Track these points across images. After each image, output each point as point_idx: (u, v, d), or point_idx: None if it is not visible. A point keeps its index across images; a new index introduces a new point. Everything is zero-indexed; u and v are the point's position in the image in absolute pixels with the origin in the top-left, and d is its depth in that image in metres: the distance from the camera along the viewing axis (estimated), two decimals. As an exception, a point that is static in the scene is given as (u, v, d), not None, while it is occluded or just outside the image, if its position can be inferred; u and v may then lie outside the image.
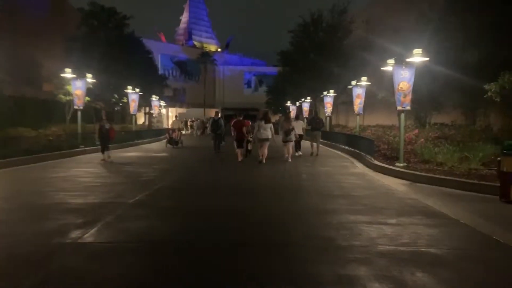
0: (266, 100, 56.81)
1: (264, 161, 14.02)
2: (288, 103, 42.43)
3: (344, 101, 33.02)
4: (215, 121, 18.54)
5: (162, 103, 44.95)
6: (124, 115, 36.20)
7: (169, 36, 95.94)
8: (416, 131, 15.18)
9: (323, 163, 15.00)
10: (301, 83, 34.68)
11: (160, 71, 60.78)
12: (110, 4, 30.37)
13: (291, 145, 15.31)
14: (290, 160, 14.85)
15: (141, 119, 47.47)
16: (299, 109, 36.91)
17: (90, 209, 6.94)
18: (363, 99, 20.54)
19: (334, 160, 16.10)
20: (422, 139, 13.89)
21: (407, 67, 12.29)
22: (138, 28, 34.35)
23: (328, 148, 22.07)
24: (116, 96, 28.77)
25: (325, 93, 28.12)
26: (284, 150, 15.14)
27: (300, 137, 16.96)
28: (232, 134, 15.54)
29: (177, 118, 23.25)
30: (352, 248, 4.89)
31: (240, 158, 14.89)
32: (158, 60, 70.16)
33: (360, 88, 20.20)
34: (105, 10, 27.82)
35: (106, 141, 14.63)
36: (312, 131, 17.87)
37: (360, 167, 13.65)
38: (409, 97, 12.43)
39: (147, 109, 41.76)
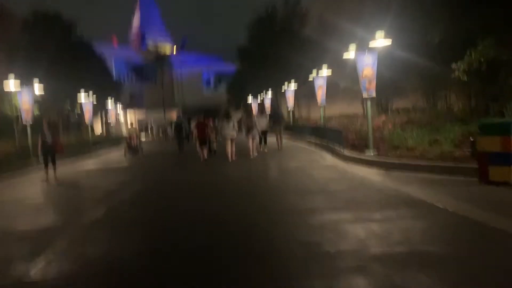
0: (227, 98, 56.13)
1: (233, 159, 13.97)
2: (250, 99, 41.90)
3: (305, 93, 32.87)
4: (177, 124, 18.78)
5: (119, 109, 43.39)
6: (81, 124, 34.47)
7: (122, 39, 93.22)
8: (383, 117, 14.97)
9: (292, 157, 14.54)
10: (261, 77, 34.25)
11: (115, 76, 58.81)
12: (59, 6, 28.74)
13: (256, 141, 15.35)
14: (256, 154, 14.87)
15: (98, 128, 45.62)
16: (262, 104, 36.82)
17: (40, 235, 6.09)
18: (325, 89, 20.24)
19: (303, 153, 15.68)
20: (390, 125, 13.68)
21: (369, 53, 11.97)
22: (89, 33, 32.71)
23: (294, 142, 21.67)
24: (68, 106, 27.16)
25: (285, 87, 27.82)
26: (249, 147, 14.94)
27: (265, 132, 16.82)
28: (195, 135, 15.37)
29: (133, 125, 21.52)
30: (342, 254, 4.35)
31: (203, 158, 14.73)
32: (112, 65, 67.93)
33: (321, 79, 19.88)
34: (48, 18, 26.09)
35: (50, 157, 12.29)
36: (273, 126, 17.99)
37: (330, 159, 13.27)
38: (374, 84, 12.13)
39: (104, 116, 40.14)
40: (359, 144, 13.23)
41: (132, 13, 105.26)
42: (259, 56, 33.16)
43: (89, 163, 18.80)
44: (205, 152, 14.91)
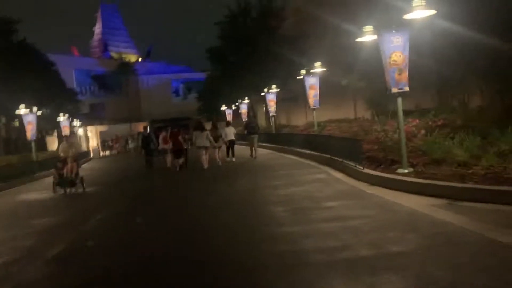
0: (198, 107, 52.26)
1: (206, 167, 14.63)
2: (224, 107, 38.33)
3: (283, 97, 29.54)
4: (145, 137, 17.46)
5: (77, 123, 38.85)
6: (28, 142, 29.84)
7: (84, 52, 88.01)
8: (417, 121, 11.58)
9: (291, 178, 10.89)
10: (235, 81, 30.79)
11: (77, 88, 54.24)
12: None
13: (220, 150, 16.45)
14: (220, 164, 15.59)
15: (54, 144, 40.82)
16: (231, 114, 34.74)
17: None
18: (318, 90, 16.85)
19: (302, 171, 12.00)
20: (422, 131, 10.29)
21: (399, 31, 8.58)
22: (49, 44, 28.58)
23: (282, 154, 18.10)
24: (4, 120, 22.66)
25: (266, 90, 24.43)
26: (215, 156, 15.79)
27: (232, 142, 17.01)
28: (170, 146, 15.63)
29: (69, 141, 13.74)
30: None
31: (178, 169, 14.90)
32: (73, 77, 63.10)
33: (313, 77, 16.47)
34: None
35: None
36: (248, 135, 17.94)
37: (344, 180, 9.71)
38: (406, 74, 8.73)
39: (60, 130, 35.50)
40: (382, 158, 9.77)
41: (93, 23, 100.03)
42: (232, 56, 29.72)
43: (28, 191, 14.60)
44: (179, 162, 15.01)
